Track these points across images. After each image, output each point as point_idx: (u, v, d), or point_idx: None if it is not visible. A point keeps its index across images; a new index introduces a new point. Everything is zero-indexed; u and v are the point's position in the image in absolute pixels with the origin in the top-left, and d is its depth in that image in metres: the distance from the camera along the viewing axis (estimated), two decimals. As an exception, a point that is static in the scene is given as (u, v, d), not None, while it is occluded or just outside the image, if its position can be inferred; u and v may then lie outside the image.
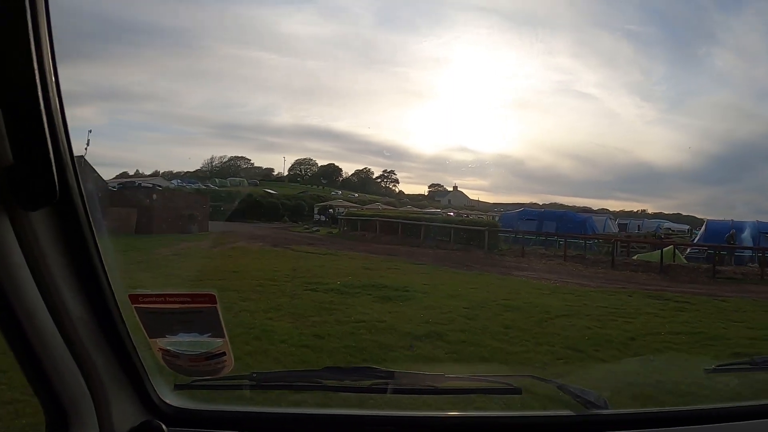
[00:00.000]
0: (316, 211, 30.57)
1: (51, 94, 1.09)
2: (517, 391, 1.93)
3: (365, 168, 43.60)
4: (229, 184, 35.18)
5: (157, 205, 21.93)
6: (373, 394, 1.98)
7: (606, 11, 31.82)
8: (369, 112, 38.61)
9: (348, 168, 43.81)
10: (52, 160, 1.09)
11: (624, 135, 34.24)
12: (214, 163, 39.06)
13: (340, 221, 26.31)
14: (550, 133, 39.89)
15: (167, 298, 1.54)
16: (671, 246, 18.88)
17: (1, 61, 1.00)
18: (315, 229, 26.15)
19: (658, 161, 36.65)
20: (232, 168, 40.13)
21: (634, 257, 18.94)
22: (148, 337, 1.59)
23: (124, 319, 1.50)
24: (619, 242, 21.36)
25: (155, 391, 1.70)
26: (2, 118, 1.02)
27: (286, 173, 40.34)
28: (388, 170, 43.31)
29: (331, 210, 29.18)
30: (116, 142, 34.91)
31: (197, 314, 1.57)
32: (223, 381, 1.83)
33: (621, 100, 34.25)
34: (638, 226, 30.41)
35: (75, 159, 1.21)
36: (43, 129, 1.07)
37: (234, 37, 34.74)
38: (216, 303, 1.55)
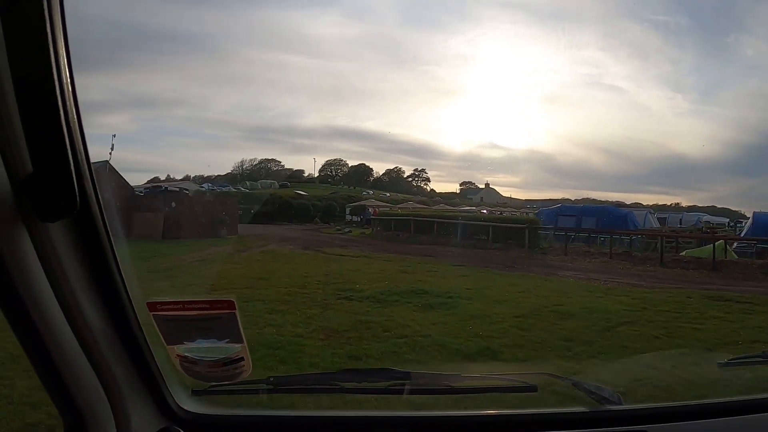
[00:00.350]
0: (347, 211, 30.18)
1: (69, 106, 1.09)
2: (533, 388, 1.96)
3: (396, 167, 43.18)
4: (260, 187, 35.24)
5: (184, 209, 21.62)
6: (390, 395, 2.02)
7: (632, 2, 30.77)
8: (398, 111, 38.22)
9: (378, 168, 43.45)
10: (72, 171, 1.09)
11: (655, 127, 33.05)
12: (244, 166, 39.22)
13: (373, 221, 25.73)
14: (579, 128, 38.87)
15: (185, 305, 1.57)
16: (722, 240, 17.69)
17: (20, 74, 0.99)
18: (347, 230, 25.69)
19: (691, 153, 35.19)
20: (263, 170, 40.28)
21: (683, 253, 17.67)
22: (166, 344, 1.61)
23: (142, 327, 1.52)
24: (664, 237, 20.20)
25: (173, 397, 1.73)
26: (22, 130, 1.02)
27: (316, 174, 40.32)
28: (419, 169, 42.73)
29: (369, 210, 28.62)
30: (148, 148, 35.28)
31: (216, 320, 1.59)
32: (241, 386, 1.84)
33: (651, 92, 32.98)
34: (680, 219, 29.33)
35: (93, 169, 1.21)
36: (63, 140, 1.06)
37: (260, 41, 34.81)
38: (235, 309, 1.57)
